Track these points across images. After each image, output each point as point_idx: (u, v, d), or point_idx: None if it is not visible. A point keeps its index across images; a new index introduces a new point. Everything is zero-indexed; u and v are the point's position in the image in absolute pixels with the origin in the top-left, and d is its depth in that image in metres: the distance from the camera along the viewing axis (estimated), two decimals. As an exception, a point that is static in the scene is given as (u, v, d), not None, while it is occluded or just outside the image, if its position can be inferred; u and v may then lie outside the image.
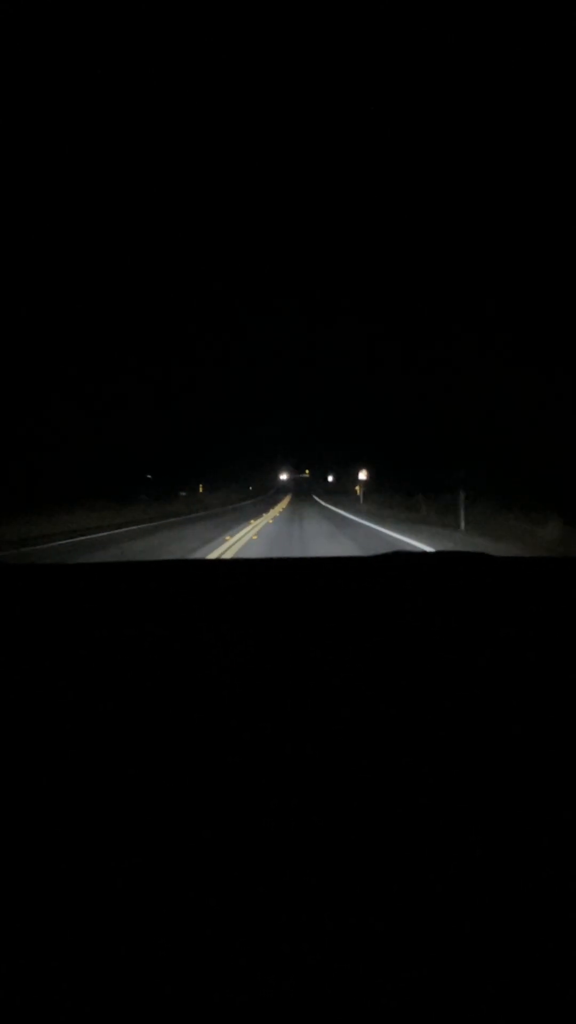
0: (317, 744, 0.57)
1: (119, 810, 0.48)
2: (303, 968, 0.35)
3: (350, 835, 0.45)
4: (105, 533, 10.24)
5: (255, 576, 1.35)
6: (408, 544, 7.70)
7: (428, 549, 6.46)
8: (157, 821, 0.46)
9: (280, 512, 17.37)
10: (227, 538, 8.98)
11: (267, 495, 37.73)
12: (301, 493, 38.50)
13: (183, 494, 23.76)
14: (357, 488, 27.68)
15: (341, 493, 30.23)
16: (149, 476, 19.57)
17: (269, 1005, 0.33)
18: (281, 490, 47.68)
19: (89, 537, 9.48)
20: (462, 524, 9.11)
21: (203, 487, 27.78)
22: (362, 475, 23.96)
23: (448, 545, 7.20)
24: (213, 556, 7.00)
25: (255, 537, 9.37)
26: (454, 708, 0.64)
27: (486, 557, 1.34)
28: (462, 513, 9.23)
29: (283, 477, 72.24)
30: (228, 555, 7.17)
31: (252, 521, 13.19)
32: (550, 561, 1.39)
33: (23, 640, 0.89)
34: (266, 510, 18.85)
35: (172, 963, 0.35)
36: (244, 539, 8.97)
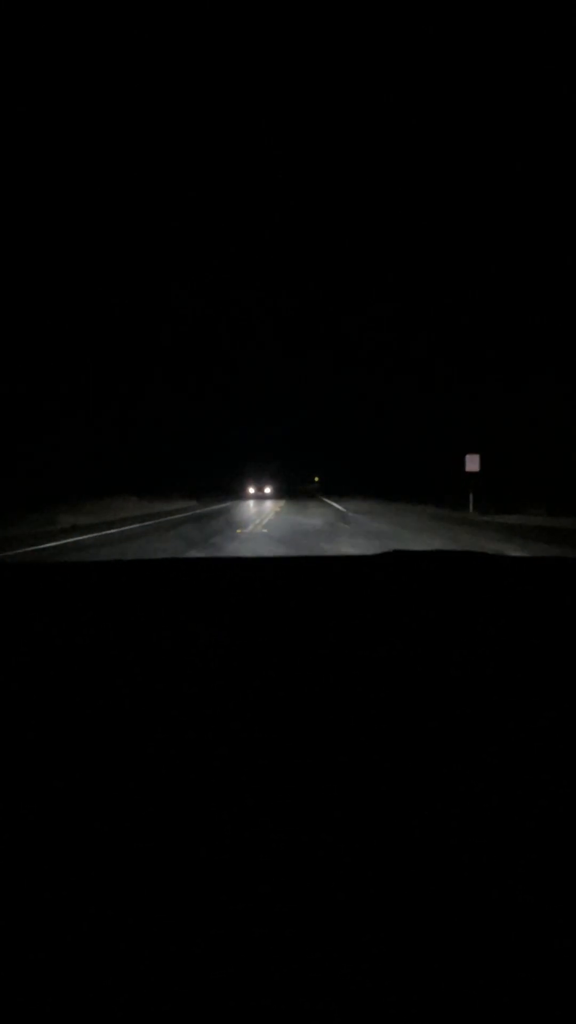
0: (316, 741, 0.57)
1: (118, 807, 0.48)
2: (303, 967, 0.35)
3: (349, 831, 0.45)
4: None
5: (255, 574, 1.36)
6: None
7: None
8: (157, 817, 0.46)
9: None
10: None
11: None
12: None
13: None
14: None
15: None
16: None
17: (269, 1005, 0.33)
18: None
19: None
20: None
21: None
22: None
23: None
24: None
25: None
26: (452, 703, 0.64)
27: (484, 556, 1.34)
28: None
29: (266, 490, 39.69)
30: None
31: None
32: (547, 560, 1.43)
33: (25, 637, 0.88)
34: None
35: (171, 962, 0.35)
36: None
